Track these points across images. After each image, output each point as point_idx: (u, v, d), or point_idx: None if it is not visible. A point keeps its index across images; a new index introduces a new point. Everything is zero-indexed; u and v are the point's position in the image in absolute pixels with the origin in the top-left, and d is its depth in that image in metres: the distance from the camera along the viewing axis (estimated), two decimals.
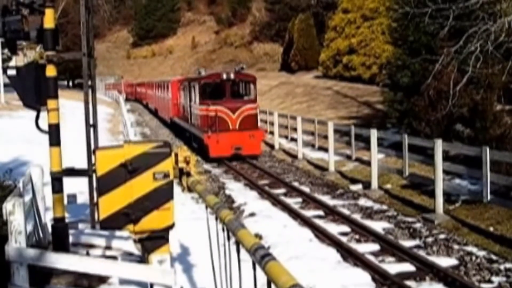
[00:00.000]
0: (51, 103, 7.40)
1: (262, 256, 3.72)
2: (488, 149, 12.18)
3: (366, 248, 11.09)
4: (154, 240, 6.16)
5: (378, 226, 12.51)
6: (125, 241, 8.92)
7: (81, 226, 9.60)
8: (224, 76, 23.05)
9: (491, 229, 11.92)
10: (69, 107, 28.58)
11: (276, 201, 15.16)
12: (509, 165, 13.42)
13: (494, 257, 10.36)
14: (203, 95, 23.04)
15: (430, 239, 11.47)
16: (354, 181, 17.80)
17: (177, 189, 6.46)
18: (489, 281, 9.33)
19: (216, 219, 5.20)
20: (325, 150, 18.70)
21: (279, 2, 68.40)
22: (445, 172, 13.81)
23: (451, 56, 15.81)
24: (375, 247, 11.20)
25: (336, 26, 45.30)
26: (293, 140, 24.83)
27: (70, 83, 68.55)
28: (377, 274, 9.53)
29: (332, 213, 13.77)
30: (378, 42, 39.57)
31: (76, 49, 10.71)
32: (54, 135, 7.47)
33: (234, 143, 21.67)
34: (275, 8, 70.14)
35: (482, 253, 10.60)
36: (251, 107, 22.72)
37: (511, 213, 12.27)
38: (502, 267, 9.85)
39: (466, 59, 15.22)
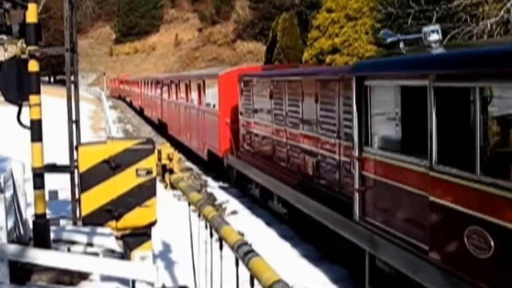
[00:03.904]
0: (33, 99, 7.35)
1: (245, 253, 3.74)
2: None
3: None
4: (137, 237, 6.15)
5: None
6: (107, 237, 8.90)
7: (62, 222, 9.53)
8: None
9: None
10: (50, 103, 28.37)
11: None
12: None
13: None
14: None
15: None
16: None
17: (159, 186, 6.44)
18: None
19: (199, 216, 5.21)
20: None
21: (263, 1, 68.51)
22: None
23: None
24: None
25: (319, 25, 45.46)
26: None
27: (52, 79, 68.13)
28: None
29: None
30: (361, 42, 39.82)
31: (58, 45, 10.64)
32: (36, 130, 7.42)
33: None
34: (259, 6, 70.28)
35: None
36: None
37: None
38: None
39: None
